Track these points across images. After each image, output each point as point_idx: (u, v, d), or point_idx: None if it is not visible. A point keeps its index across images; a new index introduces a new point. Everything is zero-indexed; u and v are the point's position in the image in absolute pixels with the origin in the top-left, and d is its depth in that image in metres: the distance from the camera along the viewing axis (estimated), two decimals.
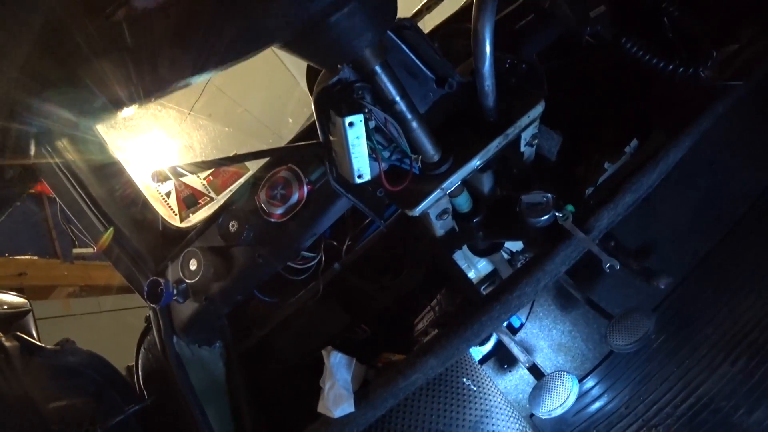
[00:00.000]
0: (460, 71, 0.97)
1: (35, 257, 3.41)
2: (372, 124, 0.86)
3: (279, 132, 4.92)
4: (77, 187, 1.39)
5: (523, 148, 1.06)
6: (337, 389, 1.20)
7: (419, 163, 0.95)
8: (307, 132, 1.35)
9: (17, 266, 3.26)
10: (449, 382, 1.59)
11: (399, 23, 0.87)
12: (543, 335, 2.32)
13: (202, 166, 1.08)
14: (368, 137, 0.83)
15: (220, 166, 1.63)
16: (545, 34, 1.15)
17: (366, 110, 0.82)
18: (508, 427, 1.55)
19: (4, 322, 1.47)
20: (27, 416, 1.18)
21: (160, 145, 2.51)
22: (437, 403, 1.52)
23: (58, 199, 1.44)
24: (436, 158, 0.96)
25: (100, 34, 0.49)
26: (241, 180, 1.61)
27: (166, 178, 0.95)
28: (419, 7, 1.59)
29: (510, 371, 2.40)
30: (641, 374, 2.01)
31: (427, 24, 1.40)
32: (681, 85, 1.16)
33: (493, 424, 1.53)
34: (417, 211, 0.97)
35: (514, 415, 1.62)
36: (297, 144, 1.18)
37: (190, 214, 1.58)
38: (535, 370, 1.98)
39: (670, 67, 1.11)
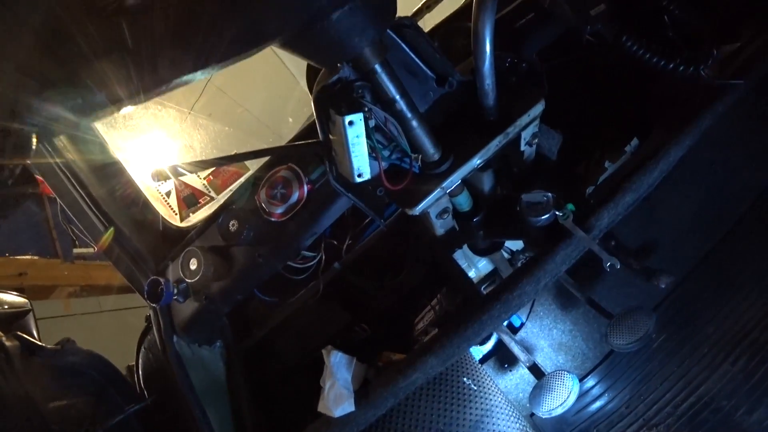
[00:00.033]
0: (460, 70, 0.97)
1: (36, 257, 3.41)
2: (372, 123, 0.86)
3: (279, 131, 4.92)
4: (78, 187, 1.39)
5: (523, 147, 1.06)
6: (338, 388, 1.20)
7: (419, 162, 0.95)
8: (307, 131, 1.35)
9: (18, 266, 3.26)
10: (450, 381, 1.60)
11: (399, 22, 0.87)
12: (543, 334, 2.32)
13: (202, 165, 1.08)
14: (368, 136, 0.82)
15: (220, 164, 1.63)
16: (545, 33, 1.15)
17: (366, 109, 0.82)
18: (509, 427, 1.55)
19: (5, 321, 1.47)
20: (27, 416, 1.18)
21: (161, 145, 2.51)
22: (438, 403, 1.52)
23: (58, 199, 1.44)
24: (436, 157, 0.96)
25: (100, 33, 0.49)
26: (242, 179, 1.61)
27: (165, 177, 0.95)
28: (419, 5, 1.58)
29: (510, 370, 2.41)
30: (642, 373, 2.01)
31: (427, 23, 1.40)
32: (681, 84, 1.16)
33: (493, 424, 1.53)
34: (417, 210, 0.97)
35: (514, 415, 1.62)
36: (297, 143, 1.18)
37: (191, 214, 1.58)
38: (535, 369, 1.98)
39: (671, 65, 1.11)
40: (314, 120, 0.87)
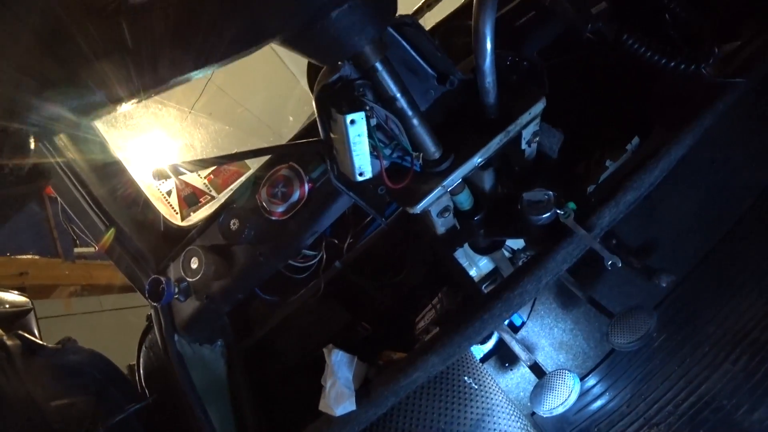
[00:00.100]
0: (460, 68, 0.97)
1: (37, 257, 3.41)
2: (373, 121, 0.85)
3: (279, 131, 4.92)
4: (79, 187, 1.40)
5: (524, 146, 1.06)
6: (339, 387, 1.20)
7: (420, 160, 0.95)
8: (308, 130, 1.35)
9: (19, 266, 3.27)
10: (450, 380, 1.59)
11: (399, 20, 0.87)
12: (544, 333, 2.32)
13: (203, 164, 1.08)
14: (369, 135, 0.82)
15: (221, 163, 1.63)
16: (546, 31, 1.15)
17: (367, 107, 0.81)
18: (510, 426, 1.55)
19: (6, 321, 1.48)
20: (28, 415, 1.18)
21: (161, 144, 2.51)
22: (438, 402, 1.52)
23: (59, 199, 1.45)
24: (437, 156, 0.96)
25: (100, 33, 0.49)
26: (242, 178, 1.61)
27: (166, 177, 0.95)
28: (420, 4, 1.58)
29: (511, 369, 2.40)
30: (642, 373, 2.01)
31: (428, 21, 1.40)
32: (682, 82, 1.16)
33: (494, 423, 1.53)
34: (418, 208, 0.97)
35: (515, 414, 1.62)
36: (298, 142, 1.18)
37: (191, 213, 1.58)
38: (536, 368, 1.98)
39: (672, 64, 1.11)
40: (315, 119, 0.87)
